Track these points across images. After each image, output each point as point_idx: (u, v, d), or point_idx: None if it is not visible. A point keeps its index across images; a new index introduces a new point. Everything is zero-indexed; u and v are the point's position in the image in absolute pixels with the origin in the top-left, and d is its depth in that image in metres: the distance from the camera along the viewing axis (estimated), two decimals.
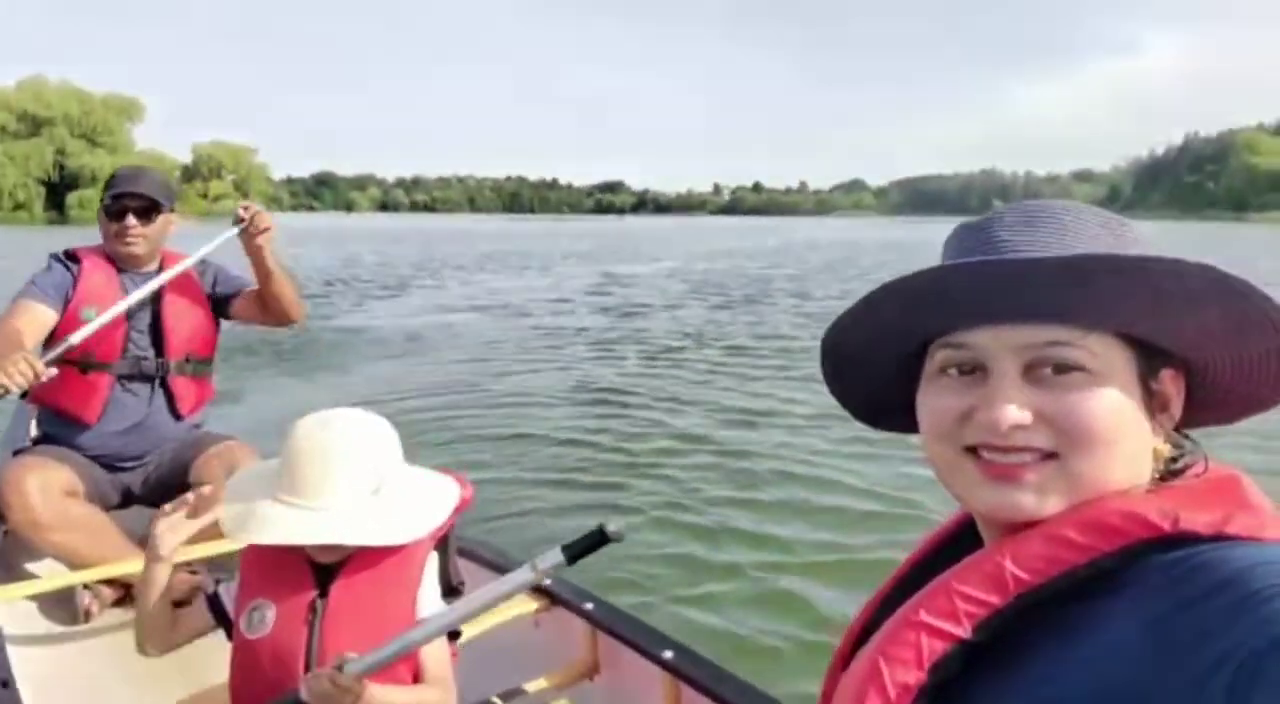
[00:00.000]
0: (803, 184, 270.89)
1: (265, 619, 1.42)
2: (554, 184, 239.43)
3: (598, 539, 1.21)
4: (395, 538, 1.38)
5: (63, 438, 2.57)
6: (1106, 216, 0.66)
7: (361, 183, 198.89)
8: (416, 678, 1.43)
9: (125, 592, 2.56)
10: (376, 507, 1.37)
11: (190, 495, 2.07)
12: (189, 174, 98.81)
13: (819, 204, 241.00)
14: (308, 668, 1.37)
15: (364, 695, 1.29)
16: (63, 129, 74.38)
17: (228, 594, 1.50)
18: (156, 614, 1.50)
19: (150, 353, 2.66)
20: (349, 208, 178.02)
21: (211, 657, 2.07)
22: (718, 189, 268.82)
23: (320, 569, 1.44)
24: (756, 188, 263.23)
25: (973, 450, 0.63)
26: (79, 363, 2.56)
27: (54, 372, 2.33)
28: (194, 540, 2.30)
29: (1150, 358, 0.63)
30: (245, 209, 2.60)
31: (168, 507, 1.80)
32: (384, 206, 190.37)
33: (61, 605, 2.47)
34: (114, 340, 2.60)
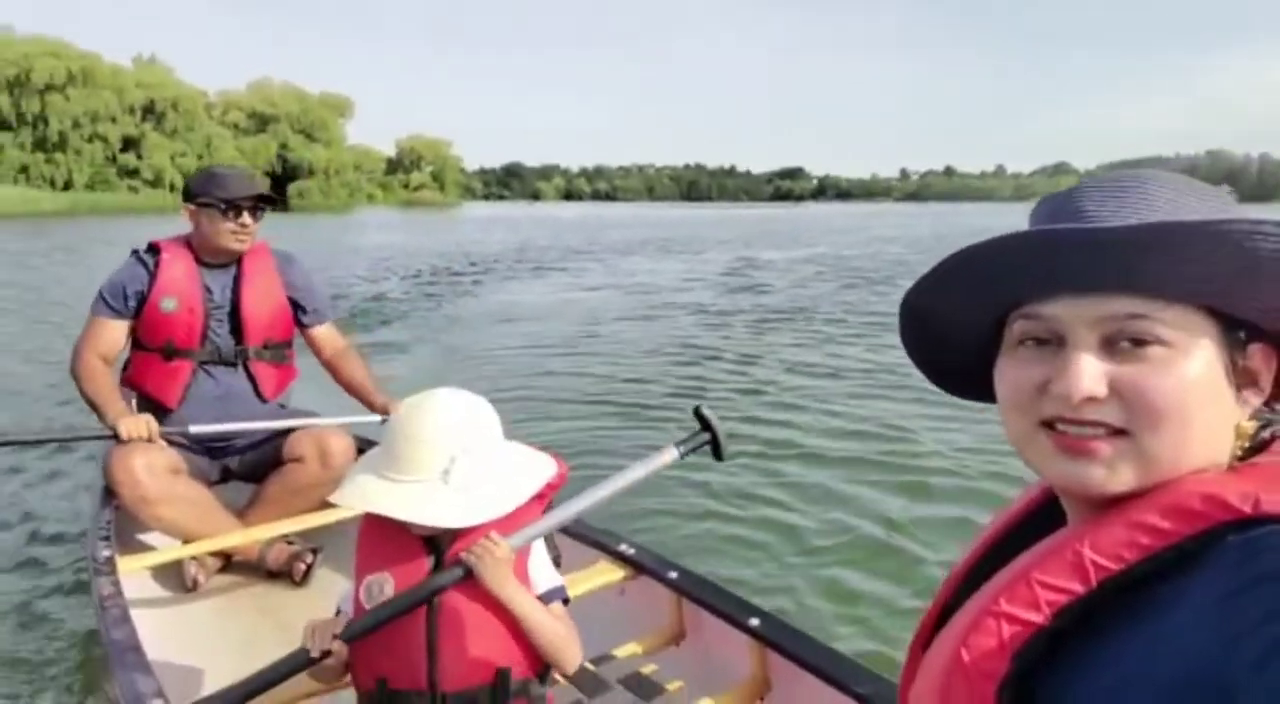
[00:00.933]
0: (1000, 168, 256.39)
1: (384, 590, 1.44)
2: (732, 171, 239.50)
3: (703, 440, 1.38)
4: (471, 518, 1.38)
5: (159, 419, 2.63)
6: (1205, 187, 0.63)
7: (547, 173, 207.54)
8: None
9: (227, 561, 2.73)
10: (461, 485, 1.38)
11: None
12: (392, 166, 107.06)
13: (1018, 189, 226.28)
14: (429, 636, 1.42)
15: (510, 576, 1.42)
16: (285, 126, 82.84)
17: (348, 604, 1.51)
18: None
19: (230, 340, 2.77)
20: (535, 196, 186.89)
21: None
22: (905, 174, 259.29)
23: (431, 542, 1.46)
24: (948, 172, 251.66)
25: (1048, 424, 0.63)
26: (162, 350, 2.72)
27: (162, 443, 2.57)
28: (290, 514, 2.62)
29: (1239, 331, 0.61)
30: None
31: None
32: (568, 195, 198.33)
33: (171, 576, 2.62)
34: (194, 328, 2.72)
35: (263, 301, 2.80)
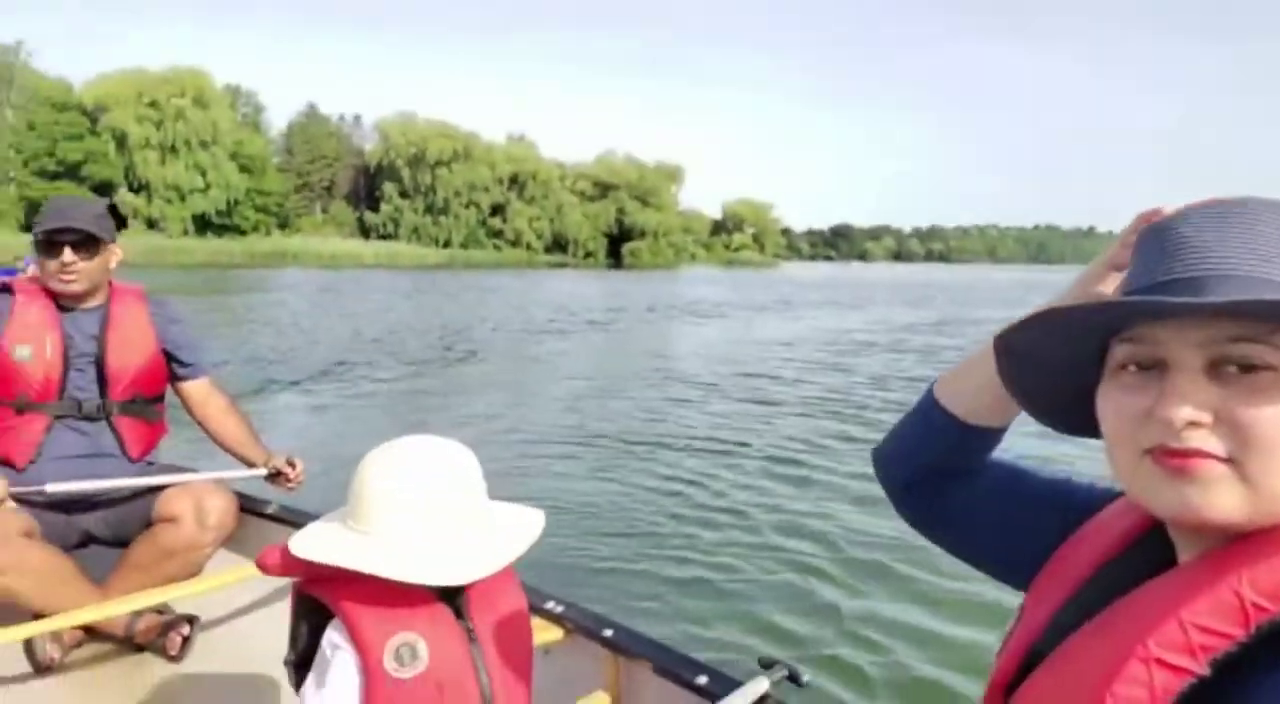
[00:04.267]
0: None
1: (417, 653, 1.26)
2: (1090, 232, 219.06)
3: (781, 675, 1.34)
4: (503, 560, 1.30)
5: (10, 479, 2.34)
6: None
7: (877, 233, 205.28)
8: None
9: (88, 634, 2.44)
10: (492, 527, 1.33)
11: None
12: (717, 228, 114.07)
13: None
14: (483, 697, 1.29)
15: None
16: (623, 192, 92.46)
17: (349, 689, 1.25)
18: None
19: (93, 393, 2.50)
20: (862, 257, 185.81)
21: (186, 698, 2.20)
22: None
23: (441, 590, 1.31)
24: None
25: (1152, 452, 0.60)
26: (14, 404, 2.44)
27: (13, 504, 2.30)
28: (161, 581, 2.39)
29: None
30: (291, 466, 2.58)
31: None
32: (897, 256, 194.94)
33: (20, 654, 2.33)
34: (52, 379, 2.44)
35: (132, 352, 2.53)
